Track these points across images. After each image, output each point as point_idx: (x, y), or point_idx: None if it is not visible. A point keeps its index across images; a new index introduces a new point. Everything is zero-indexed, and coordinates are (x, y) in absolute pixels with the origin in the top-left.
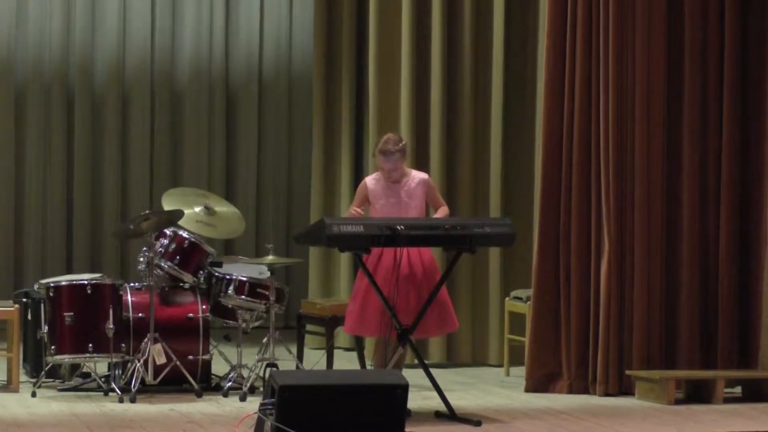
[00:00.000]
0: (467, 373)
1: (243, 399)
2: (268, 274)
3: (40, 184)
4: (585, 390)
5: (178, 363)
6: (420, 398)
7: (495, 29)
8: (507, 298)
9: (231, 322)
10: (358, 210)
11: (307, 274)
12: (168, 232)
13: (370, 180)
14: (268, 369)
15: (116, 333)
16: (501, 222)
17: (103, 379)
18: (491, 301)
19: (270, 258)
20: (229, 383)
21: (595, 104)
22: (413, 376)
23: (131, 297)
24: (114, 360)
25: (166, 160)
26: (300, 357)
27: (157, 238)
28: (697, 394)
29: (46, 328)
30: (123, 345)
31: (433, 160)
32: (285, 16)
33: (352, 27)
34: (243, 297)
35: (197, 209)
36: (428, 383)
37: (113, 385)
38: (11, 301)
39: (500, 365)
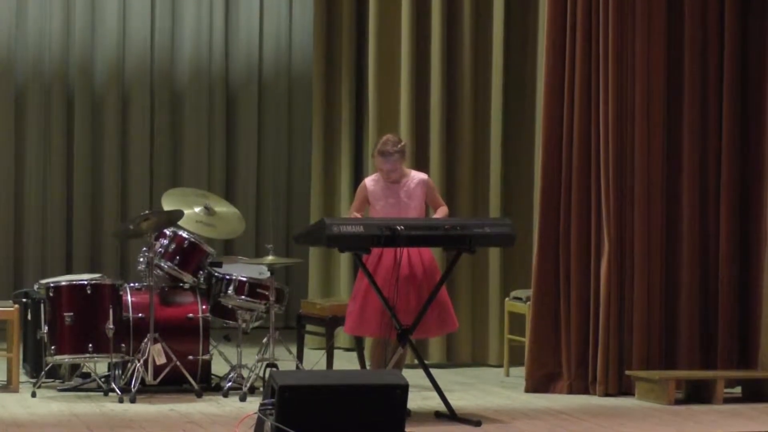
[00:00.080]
0: (467, 373)
1: (243, 399)
2: (268, 274)
3: (40, 184)
4: (585, 390)
5: (178, 363)
6: (420, 398)
7: (495, 29)
8: (507, 299)
9: (231, 322)
10: (357, 216)
11: (307, 274)
12: (168, 232)
13: (369, 181)
14: (268, 369)
15: (116, 333)
16: (501, 222)
17: (103, 380)
18: (491, 302)
19: (270, 258)
20: (229, 383)
21: (595, 104)
22: (413, 376)
23: (131, 297)
24: (114, 360)
25: (166, 160)
26: (300, 357)
27: (156, 239)
28: (697, 394)
29: (46, 328)
30: (123, 345)
31: (433, 160)
32: (285, 16)
33: (352, 27)
34: (243, 297)
35: (197, 209)
36: (428, 383)
37: (113, 386)
38: (11, 302)
39: (500, 365)
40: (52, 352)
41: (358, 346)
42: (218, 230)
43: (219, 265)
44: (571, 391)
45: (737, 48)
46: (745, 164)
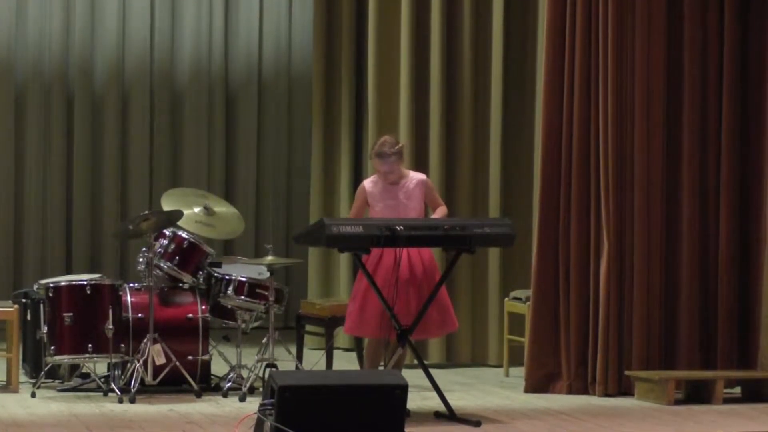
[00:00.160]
0: (467, 373)
1: (242, 399)
2: (268, 274)
3: (40, 184)
4: (584, 390)
5: (177, 363)
6: (419, 398)
7: (495, 29)
8: (506, 299)
9: (230, 322)
10: None
11: (306, 274)
12: (167, 232)
13: (368, 183)
14: (268, 369)
15: (115, 333)
16: (500, 222)
17: (102, 380)
18: (491, 302)
19: (269, 258)
20: (229, 384)
21: (594, 104)
22: (413, 376)
23: (130, 297)
24: (113, 360)
25: (166, 160)
26: (299, 357)
27: (156, 239)
28: (697, 394)
29: (46, 328)
30: (122, 345)
31: (432, 160)
32: (285, 16)
33: (351, 27)
34: (242, 297)
35: (197, 209)
36: (428, 383)
37: (113, 386)
38: (11, 302)
39: (500, 366)
40: (51, 352)
41: (357, 346)
42: (218, 230)
43: (218, 265)
44: (570, 392)
45: (737, 48)
46: (745, 164)
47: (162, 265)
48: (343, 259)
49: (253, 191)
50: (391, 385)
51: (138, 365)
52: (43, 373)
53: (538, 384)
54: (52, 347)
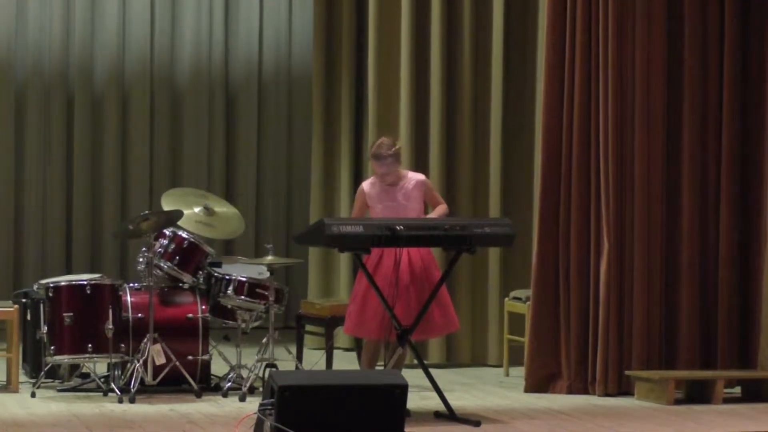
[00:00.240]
0: (467, 373)
1: (242, 399)
2: (268, 274)
3: (40, 184)
4: (585, 390)
5: (177, 363)
6: (419, 398)
7: (495, 29)
8: (506, 299)
9: (230, 322)
10: None
11: (306, 274)
12: (167, 232)
13: (366, 184)
14: (268, 369)
15: (115, 333)
16: (500, 222)
17: (102, 380)
18: (491, 302)
19: (269, 258)
20: (229, 383)
21: (594, 104)
22: (413, 376)
23: (130, 297)
24: (113, 360)
25: (166, 160)
26: (299, 357)
27: (156, 239)
28: (697, 394)
29: (46, 328)
30: (122, 345)
31: (432, 160)
32: (285, 17)
33: (351, 27)
34: (242, 297)
35: (197, 209)
36: (428, 383)
37: (113, 386)
38: (11, 302)
39: (500, 365)
40: (51, 352)
41: (357, 346)
42: (218, 230)
43: (218, 265)
44: (570, 391)
45: (737, 48)
46: (745, 165)
47: (162, 265)
48: (343, 259)
49: (253, 191)
50: (391, 385)
51: (138, 365)
52: (43, 373)
53: (538, 384)
54: (52, 347)
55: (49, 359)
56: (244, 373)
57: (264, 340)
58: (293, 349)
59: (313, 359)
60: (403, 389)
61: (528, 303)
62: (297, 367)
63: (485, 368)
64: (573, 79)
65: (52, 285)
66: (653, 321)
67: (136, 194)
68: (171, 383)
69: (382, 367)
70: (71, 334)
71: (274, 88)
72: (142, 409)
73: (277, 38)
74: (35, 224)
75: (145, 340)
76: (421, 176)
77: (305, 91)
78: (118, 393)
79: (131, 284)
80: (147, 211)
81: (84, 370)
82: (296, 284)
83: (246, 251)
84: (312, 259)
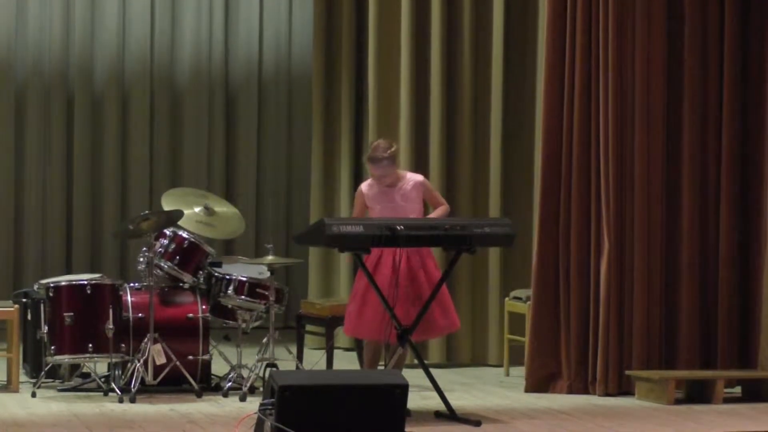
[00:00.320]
0: (467, 373)
1: (243, 399)
2: (268, 274)
3: (40, 184)
4: (585, 390)
5: (177, 363)
6: (420, 398)
7: (495, 29)
8: (507, 298)
9: (231, 322)
10: None
11: (306, 274)
12: (168, 232)
13: (364, 186)
14: (268, 369)
15: (116, 333)
16: (500, 222)
17: (102, 380)
18: (491, 301)
19: (270, 258)
20: (229, 383)
21: (594, 104)
22: (413, 376)
23: (131, 297)
24: (114, 360)
25: (166, 160)
26: (300, 357)
27: (156, 239)
28: (697, 394)
29: (46, 328)
30: (123, 345)
31: (432, 160)
32: (285, 16)
33: (351, 27)
34: (242, 297)
35: (197, 209)
36: (428, 383)
37: (113, 386)
38: (11, 302)
39: (500, 365)
40: (52, 352)
41: (357, 346)
42: (218, 230)
43: (219, 265)
44: (571, 391)
45: (737, 48)
46: (746, 165)
47: (162, 264)
48: (343, 259)
49: (253, 191)
50: (391, 385)
51: (138, 365)
52: (43, 373)
53: (538, 384)
54: (53, 347)
55: (49, 359)
56: (245, 373)
57: (264, 340)
58: (293, 349)
59: (314, 359)
60: (403, 389)
61: (528, 303)
62: (297, 367)
63: (485, 368)
64: (573, 79)
65: (52, 285)
66: (653, 321)
67: (136, 194)
68: (171, 383)
69: (382, 367)
70: (71, 334)
71: (274, 88)
72: (143, 409)
73: (277, 38)
74: (35, 224)
75: (146, 339)
76: (419, 177)
77: (305, 91)
78: (119, 393)
79: (131, 284)
80: (147, 211)
81: (84, 370)
82: (296, 284)
83: (246, 251)
84: (312, 259)
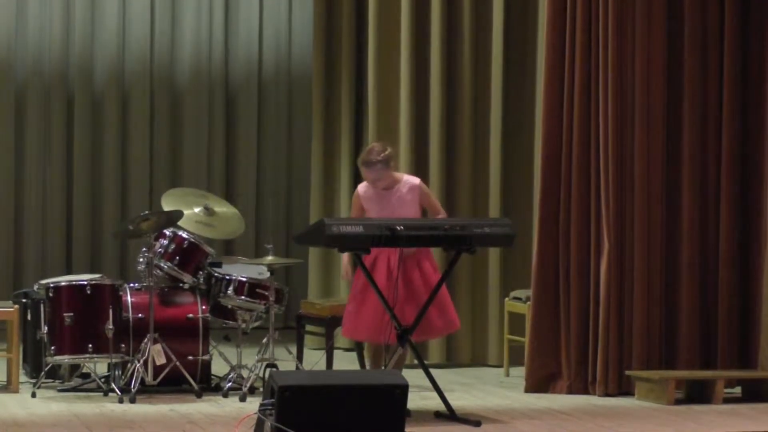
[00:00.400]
0: (467, 373)
1: (243, 399)
2: (268, 274)
3: (40, 184)
4: (585, 390)
5: (177, 363)
6: (419, 398)
7: (495, 29)
8: (507, 299)
9: (230, 322)
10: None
11: (306, 274)
12: (167, 232)
13: (361, 188)
14: (268, 369)
15: (116, 333)
16: (500, 222)
17: (102, 380)
18: (491, 302)
19: (269, 258)
20: (229, 384)
21: (594, 104)
22: (413, 376)
23: (131, 297)
24: (114, 360)
25: (166, 160)
26: (300, 357)
27: (156, 239)
28: (697, 394)
29: (46, 328)
30: (123, 345)
31: (432, 160)
32: (285, 16)
33: (351, 27)
34: (242, 297)
35: (197, 210)
36: (428, 383)
37: (113, 386)
38: (11, 302)
39: (500, 366)
40: (51, 352)
41: (357, 346)
42: (218, 230)
43: (219, 265)
44: (570, 391)
45: (737, 48)
46: (745, 164)
47: (162, 265)
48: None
49: (253, 191)
50: (391, 385)
51: (138, 365)
52: (43, 373)
53: (538, 384)
54: (53, 347)
55: (49, 359)
56: (245, 373)
57: (264, 340)
58: (293, 349)
59: (314, 359)
60: (403, 389)
61: (528, 303)
62: (297, 367)
63: (485, 368)
64: (573, 79)
65: (52, 285)
66: (653, 321)
67: (136, 194)
68: (171, 383)
69: (382, 367)
70: (71, 334)
71: (274, 88)
72: (143, 409)
73: (277, 38)
74: (35, 224)
75: (146, 340)
76: (415, 180)
77: (305, 91)
78: (119, 393)
79: (131, 284)
80: (147, 211)
81: (84, 370)
82: (296, 284)
83: (246, 251)
84: (312, 259)
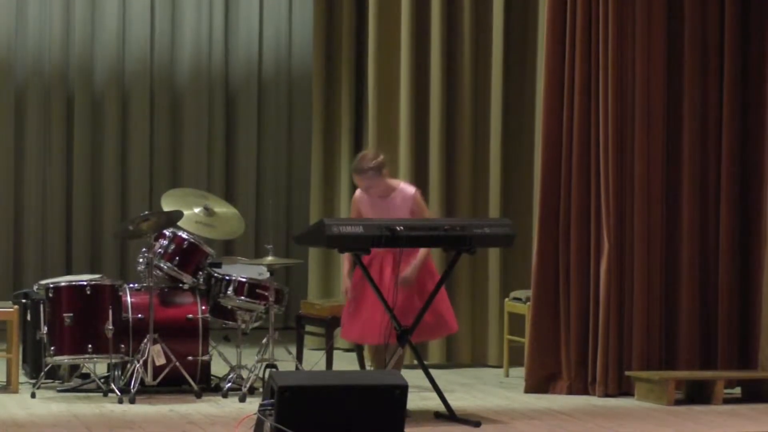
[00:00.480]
0: (467, 373)
1: (242, 400)
2: (268, 274)
3: (40, 184)
4: (585, 391)
5: (177, 364)
6: (419, 399)
7: (495, 29)
8: (506, 299)
9: (230, 322)
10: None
11: (306, 274)
12: (167, 232)
13: (359, 192)
14: (268, 370)
15: (115, 334)
16: (500, 222)
17: (102, 380)
18: (491, 302)
19: (269, 259)
20: (229, 384)
21: (594, 104)
22: (413, 376)
23: (130, 298)
24: (113, 361)
25: (166, 160)
26: (299, 358)
27: (156, 239)
28: (697, 394)
29: (46, 328)
30: (122, 346)
31: (432, 160)
32: (285, 16)
33: (351, 27)
34: (242, 298)
35: (197, 210)
36: (428, 384)
37: (113, 386)
38: (11, 302)
39: (500, 366)
40: (51, 352)
41: (357, 346)
42: (218, 231)
43: (218, 265)
44: (570, 392)
45: (737, 48)
46: (745, 164)
47: (162, 265)
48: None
49: (253, 191)
50: (391, 385)
51: (138, 365)
52: (43, 373)
53: (538, 384)
54: (52, 347)
55: (49, 360)
56: (244, 373)
57: (264, 340)
58: (293, 350)
59: (313, 359)
60: (403, 389)
61: (528, 303)
62: (297, 368)
63: (485, 368)
64: (573, 79)
65: (52, 285)
66: (653, 321)
67: (136, 194)
68: (171, 384)
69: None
70: (71, 335)
71: (274, 88)
72: (142, 409)
73: (277, 38)
74: (35, 224)
75: (145, 340)
76: (411, 190)
77: (305, 91)
78: (118, 393)
79: (131, 285)
80: (147, 212)
81: (84, 371)
82: (296, 284)
83: (246, 251)
84: (312, 260)
